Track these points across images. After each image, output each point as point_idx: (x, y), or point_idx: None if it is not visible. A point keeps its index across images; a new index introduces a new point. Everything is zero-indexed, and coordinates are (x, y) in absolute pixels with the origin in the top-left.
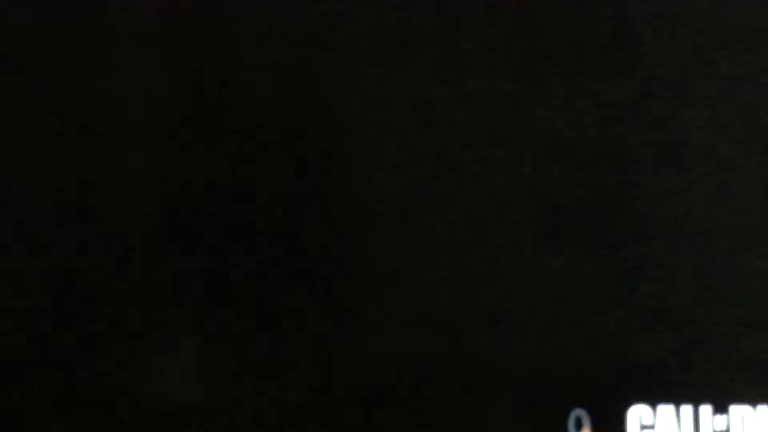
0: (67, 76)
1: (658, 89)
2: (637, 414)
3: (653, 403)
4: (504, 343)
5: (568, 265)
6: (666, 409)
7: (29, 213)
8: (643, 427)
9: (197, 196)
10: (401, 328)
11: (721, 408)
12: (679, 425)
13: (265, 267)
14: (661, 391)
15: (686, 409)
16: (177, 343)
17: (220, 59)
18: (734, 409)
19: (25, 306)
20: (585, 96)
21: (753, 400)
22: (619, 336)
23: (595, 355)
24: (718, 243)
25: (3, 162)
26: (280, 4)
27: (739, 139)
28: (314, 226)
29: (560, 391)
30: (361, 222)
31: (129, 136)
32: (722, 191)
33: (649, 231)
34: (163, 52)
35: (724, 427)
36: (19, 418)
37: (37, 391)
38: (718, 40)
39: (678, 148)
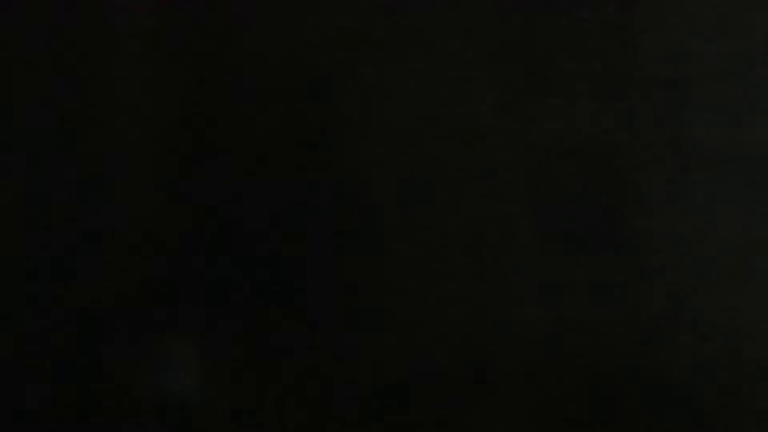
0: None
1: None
2: None
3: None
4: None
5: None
6: None
7: (29, 213)
8: None
9: (200, 197)
10: (402, 328)
11: None
12: None
13: (267, 265)
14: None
15: None
16: (178, 343)
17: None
18: None
19: (24, 306)
20: (586, 97)
21: None
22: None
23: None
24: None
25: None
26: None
27: (740, 141)
28: (314, 228)
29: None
30: (361, 223)
31: (128, 133)
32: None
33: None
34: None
35: None
36: (19, 417)
37: (37, 390)
38: None
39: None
